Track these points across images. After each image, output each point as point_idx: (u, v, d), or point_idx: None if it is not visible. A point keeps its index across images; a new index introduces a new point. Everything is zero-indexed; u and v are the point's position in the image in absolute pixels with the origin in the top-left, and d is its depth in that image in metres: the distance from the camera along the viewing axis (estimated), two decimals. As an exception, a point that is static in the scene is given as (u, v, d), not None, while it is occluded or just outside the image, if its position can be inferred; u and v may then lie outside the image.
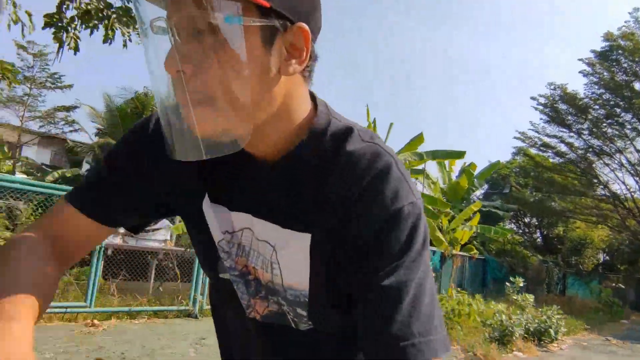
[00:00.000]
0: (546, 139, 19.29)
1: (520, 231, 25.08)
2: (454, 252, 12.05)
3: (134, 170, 0.71)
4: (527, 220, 25.31)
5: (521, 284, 9.84)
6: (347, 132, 0.65)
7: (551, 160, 20.01)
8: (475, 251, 13.93)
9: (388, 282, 0.59)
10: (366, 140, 0.65)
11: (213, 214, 0.71)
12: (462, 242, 12.21)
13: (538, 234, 25.57)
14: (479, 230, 12.74)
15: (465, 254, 13.18)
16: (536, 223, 25.14)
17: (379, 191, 0.61)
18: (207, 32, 0.54)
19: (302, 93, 0.65)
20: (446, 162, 14.16)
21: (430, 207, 9.95)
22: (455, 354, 5.93)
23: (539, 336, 7.45)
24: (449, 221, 11.97)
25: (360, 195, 0.61)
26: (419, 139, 10.71)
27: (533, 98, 18.70)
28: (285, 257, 0.67)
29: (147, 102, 13.76)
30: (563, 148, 19.11)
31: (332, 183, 0.63)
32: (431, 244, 11.37)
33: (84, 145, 14.90)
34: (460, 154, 10.41)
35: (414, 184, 0.66)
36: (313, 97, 0.69)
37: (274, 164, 0.66)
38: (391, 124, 10.41)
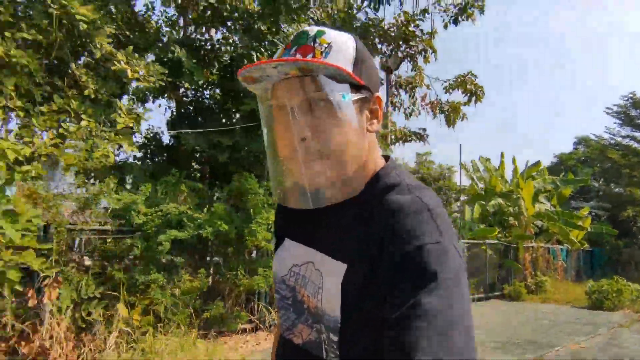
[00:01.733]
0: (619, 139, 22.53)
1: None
2: (571, 247, 15.65)
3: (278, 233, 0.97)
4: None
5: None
6: (397, 184, 0.77)
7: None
8: (586, 245, 17.45)
9: (408, 312, 0.61)
10: (412, 192, 0.75)
11: (288, 250, 0.88)
12: (578, 240, 15.79)
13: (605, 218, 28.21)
14: (590, 229, 16.31)
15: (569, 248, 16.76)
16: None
17: (406, 229, 0.68)
18: (323, 107, 0.73)
19: (377, 146, 0.83)
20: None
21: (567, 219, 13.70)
22: (630, 316, 9.69)
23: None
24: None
25: (390, 232, 0.69)
26: (537, 166, 14.45)
27: (608, 107, 22.01)
28: (327, 284, 0.75)
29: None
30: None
31: (374, 224, 0.73)
32: (561, 243, 15.03)
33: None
34: (585, 181, 14.14)
35: (452, 233, 0.70)
36: (387, 156, 0.85)
37: (342, 206, 0.77)
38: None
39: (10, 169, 3.80)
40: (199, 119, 8.25)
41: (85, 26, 5.32)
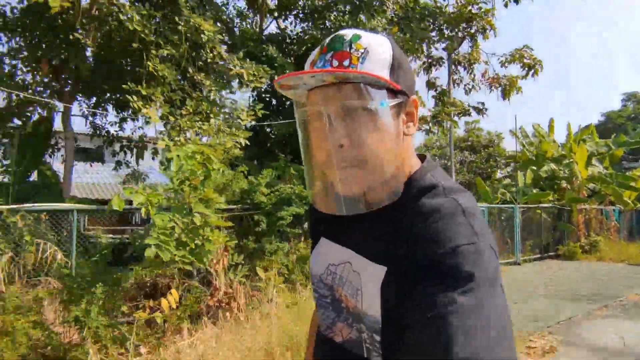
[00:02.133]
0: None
1: None
2: (624, 208, 15.93)
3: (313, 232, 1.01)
4: None
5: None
6: (432, 187, 0.76)
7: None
8: (639, 205, 17.65)
9: (444, 311, 0.60)
10: (447, 195, 0.74)
11: (325, 249, 0.90)
12: (631, 200, 16.03)
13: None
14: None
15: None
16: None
17: (440, 231, 0.68)
18: (360, 114, 0.72)
19: (412, 149, 0.82)
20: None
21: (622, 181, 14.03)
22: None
23: None
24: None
25: (425, 235, 0.69)
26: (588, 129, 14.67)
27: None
28: (366, 287, 0.76)
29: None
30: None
31: (408, 226, 0.73)
32: (614, 204, 15.36)
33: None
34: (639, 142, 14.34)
35: (488, 234, 0.70)
36: (424, 156, 0.85)
37: (379, 210, 0.77)
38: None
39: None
40: (280, 107, 9.22)
41: (206, 38, 6.32)
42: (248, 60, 6.59)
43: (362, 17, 7.30)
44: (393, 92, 0.75)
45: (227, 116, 6.74)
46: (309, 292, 6.02)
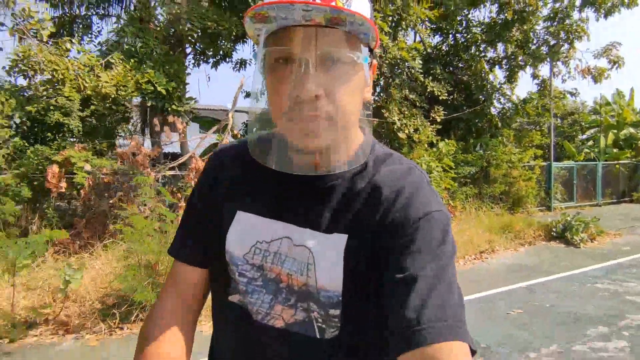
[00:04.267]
0: None
1: None
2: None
3: (204, 205, 0.83)
4: None
5: None
6: (389, 154, 0.78)
7: None
8: None
9: (423, 274, 0.62)
10: (403, 163, 0.77)
11: (246, 225, 0.76)
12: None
13: None
14: None
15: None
16: None
17: (413, 198, 0.70)
18: (341, 65, 0.65)
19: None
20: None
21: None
22: None
23: None
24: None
25: (395, 201, 0.70)
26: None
27: None
28: (322, 259, 0.71)
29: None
30: None
31: (372, 193, 0.72)
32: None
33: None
34: None
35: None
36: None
37: (331, 177, 0.74)
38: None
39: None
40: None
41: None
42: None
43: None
44: (370, 50, 0.70)
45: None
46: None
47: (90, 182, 6.36)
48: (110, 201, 6.13)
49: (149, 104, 8.05)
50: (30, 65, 6.91)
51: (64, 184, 6.52)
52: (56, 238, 4.77)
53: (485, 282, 5.84)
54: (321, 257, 0.72)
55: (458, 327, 0.60)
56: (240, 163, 0.82)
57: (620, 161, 16.65)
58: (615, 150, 17.58)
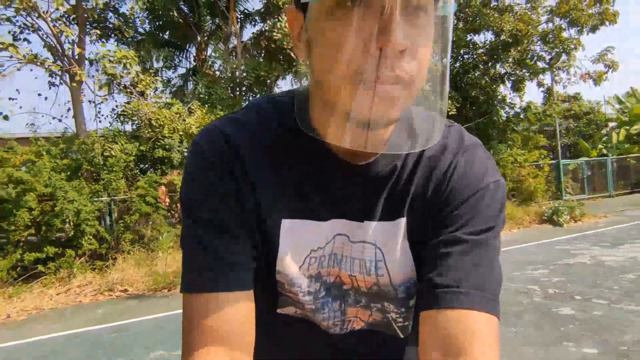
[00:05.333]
0: None
1: None
2: None
3: (226, 218, 0.60)
4: None
5: None
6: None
7: None
8: None
9: (473, 241, 0.60)
10: (448, 125, 0.67)
11: (296, 234, 0.64)
12: None
13: None
14: None
15: None
16: None
17: (470, 166, 0.64)
18: (424, 18, 0.51)
19: None
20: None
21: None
22: None
23: None
24: None
25: (452, 173, 0.63)
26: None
27: None
28: (390, 252, 0.65)
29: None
30: None
31: (428, 166, 0.64)
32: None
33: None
34: None
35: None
36: None
37: (380, 159, 0.63)
38: None
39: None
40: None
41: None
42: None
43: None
44: None
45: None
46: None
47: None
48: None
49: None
50: (139, 116, 9.77)
51: (167, 200, 9.25)
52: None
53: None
54: (389, 250, 0.65)
55: (494, 301, 0.58)
56: (260, 147, 0.62)
57: (631, 154, 18.04)
58: (627, 145, 18.95)
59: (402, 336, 0.73)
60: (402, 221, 0.65)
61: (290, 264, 0.65)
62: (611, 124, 22.02)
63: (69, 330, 5.05)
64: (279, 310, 0.71)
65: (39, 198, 7.51)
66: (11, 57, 8.82)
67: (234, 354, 0.57)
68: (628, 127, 19.41)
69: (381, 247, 0.66)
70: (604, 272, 5.73)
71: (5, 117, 9.47)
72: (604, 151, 18.88)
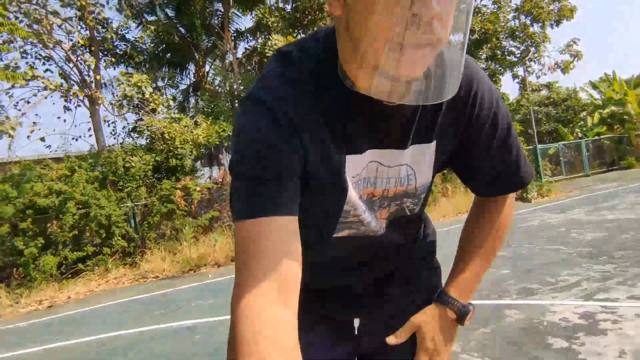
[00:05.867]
0: None
1: None
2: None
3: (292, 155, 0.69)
4: None
5: None
6: None
7: None
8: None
9: (511, 140, 0.83)
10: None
11: (354, 166, 0.77)
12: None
13: None
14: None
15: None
16: None
17: (483, 91, 0.79)
18: None
19: None
20: None
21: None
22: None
23: None
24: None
25: (471, 101, 0.78)
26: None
27: None
28: (419, 168, 0.82)
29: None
30: None
31: (445, 101, 0.71)
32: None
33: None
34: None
35: None
36: None
37: (398, 105, 0.71)
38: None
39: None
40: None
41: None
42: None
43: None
44: None
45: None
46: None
47: (200, 198, 10.47)
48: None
49: (225, 144, 12.17)
50: (152, 131, 11.17)
51: (182, 202, 10.64)
52: (203, 224, 8.84)
53: (455, 226, 9.36)
54: (419, 167, 0.82)
55: (528, 174, 0.87)
56: (309, 104, 0.70)
57: (604, 136, 19.38)
58: (602, 127, 20.30)
59: (409, 214, 0.90)
60: (432, 145, 0.80)
61: (352, 192, 0.78)
62: (584, 113, 23.36)
63: (124, 299, 6.43)
64: (335, 235, 0.84)
65: (76, 205, 8.88)
66: (45, 88, 10.20)
67: (282, 275, 0.62)
68: (601, 111, 20.74)
69: (412, 166, 0.81)
70: (545, 228, 7.11)
71: (42, 139, 10.87)
72: (580, 134, 20.21)
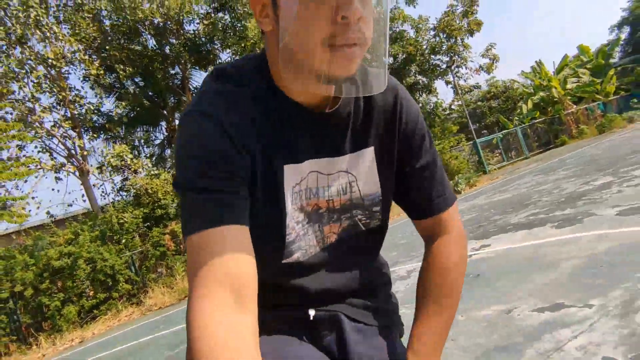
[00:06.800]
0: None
1: None
2: (607, 99, 23.73)
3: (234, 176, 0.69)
4: None
5: None
6: None
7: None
8: (622, 92, 25.15)
9: (433, 157, 0.87)
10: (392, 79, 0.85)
11: (291, 177, 0.77)
12: (612, 93, 23.77)
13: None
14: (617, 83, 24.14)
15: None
16: None
17: (409, 99, 0.86)
18: None
19: None
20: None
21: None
22: None
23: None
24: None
25: (399, 105, 0.83)
26: (565, 59, 22.83)
27: None
28: (360, 174, 0.84)
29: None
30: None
31: (374, 105, 0.82)
32: (596, 101, 23.32)
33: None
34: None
35: None
36: None
37: (332, 108, 0.77)
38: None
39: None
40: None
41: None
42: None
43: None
44: None
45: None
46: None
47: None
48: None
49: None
50: (136, 188, 13.20)
51: (172, 244, 12.61)
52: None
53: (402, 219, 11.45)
54: (359, 173, 0.83)
55: (453, 195, 0.90)
56: (240, 114, 0.71)
57: (536, 120, 21.84)
58: (536, 112, 22.77)
59: (363, 229, 0.89)
60: (370, 150, 0.83)
61: (289, 202, 0.76)
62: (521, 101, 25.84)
63: (139, 323, 8.35)
64: (284, 261, 0.79)
65: (85, 262, 10.83)
66: (41, 167, 12.22)
67: (237, 279, 0.61)
68: (533, 97, 23.22)
69: (351, 171, 0.83)
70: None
71: (48, 212, 12.84)
72: (516, 122, 22.63)
